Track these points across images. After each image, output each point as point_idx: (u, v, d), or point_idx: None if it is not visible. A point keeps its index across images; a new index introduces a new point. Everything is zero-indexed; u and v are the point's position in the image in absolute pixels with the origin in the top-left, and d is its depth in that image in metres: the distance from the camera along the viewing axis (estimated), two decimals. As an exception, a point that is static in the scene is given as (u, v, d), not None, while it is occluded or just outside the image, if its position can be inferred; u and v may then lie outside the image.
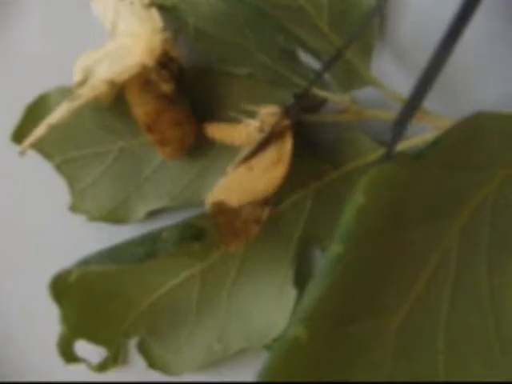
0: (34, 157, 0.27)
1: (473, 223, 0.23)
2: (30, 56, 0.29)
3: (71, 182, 0.27)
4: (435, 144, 0.22)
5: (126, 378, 0.28)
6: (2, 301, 0.29)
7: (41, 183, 0.28)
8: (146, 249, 0.24)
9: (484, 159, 0.24)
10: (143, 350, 0.28)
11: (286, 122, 0.25)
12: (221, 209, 0.25)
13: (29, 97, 0.27)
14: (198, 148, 0.27)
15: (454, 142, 0.23)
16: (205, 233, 0.24)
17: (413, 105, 0.22)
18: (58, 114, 0.24)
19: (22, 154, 0.25)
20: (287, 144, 0.24)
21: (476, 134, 0.23)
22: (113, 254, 0.24)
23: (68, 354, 0.27)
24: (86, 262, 0.24)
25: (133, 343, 0.28)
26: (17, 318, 0.29)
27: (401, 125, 0.23)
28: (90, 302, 0.26)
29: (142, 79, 0.25)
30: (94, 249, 0.26)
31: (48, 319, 0.27)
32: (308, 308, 0.19)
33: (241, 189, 0.24)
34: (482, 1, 0.21)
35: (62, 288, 0.25)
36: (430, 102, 0.24)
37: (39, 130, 0.24)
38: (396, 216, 0.21)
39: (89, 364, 0.27)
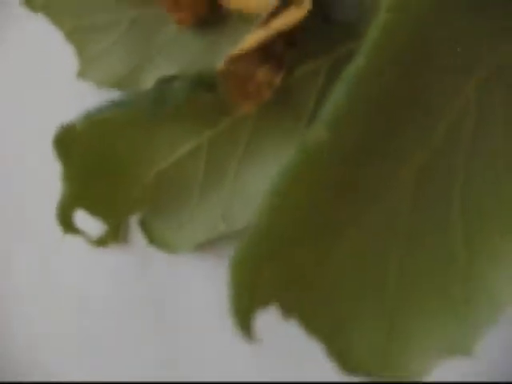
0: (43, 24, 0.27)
1: (489, 84, 0.23)
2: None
3: (80, 49, 0.27)
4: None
5: (125, 256, 0.27)
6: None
7: (50, 51, 0.28)
8: (156, 95, 0.23)
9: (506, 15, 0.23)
10: (144, 226, 0.27)
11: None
12: (234, 68, 0.24)
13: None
14: (212, 20, 0.26)
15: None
16: (216, 86, 0.24)
17: None
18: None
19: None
20: (306, 6, 0.24)
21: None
22: (120, 102, 0.24)
23: (67, 223, 0.26)
24: (91, 113, 0.23)
25: (134, 223, 0.27)
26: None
27: None
28: (94, 164, 0.25)
29: None
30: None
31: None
32: (329, 111, 0.18)
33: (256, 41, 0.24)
34: None
35: (66, 142, 0.24)
36: None
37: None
38: (419, 47, 0.21)
39: (88, 237, 0.26)
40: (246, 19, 0.26)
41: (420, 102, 0.21)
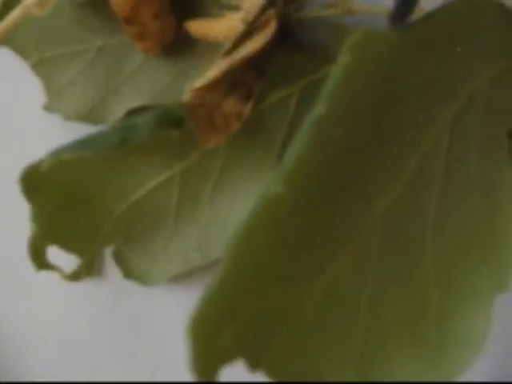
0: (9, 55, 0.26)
1: (464, 114, 0.22)
2: None
3: (47, 81, 0.26)
4: (420, 22, 0.21)
5: (100, 289, 0.27)
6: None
7: (15, 83, 0.27)
8: (121, 135, 0.23)
9: (475, 48, 0.23)
10: (119, 258, 0.26)
11: (270, 12, 0.24)
12: (201, 100, 0.23)
13: None
14: (179, 48, 0.26)
15: (441, 24, 0.22)
16: (183, 121, 0.23)
17: None
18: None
19: (-5, 41, 0.24)
20: (270, 30, 0.23)
21: (464, 19, 0.22)
22: (85, 142, 0.23)
23: (39, 259, 0.25)
24: (57, 152, 0.23)
25: (108, 254, 0.27)
26: None
27: (397, 18, 0.22)
28: (64, 200, 0.25)
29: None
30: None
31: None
32: (288, 166, 0.18)
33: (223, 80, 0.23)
34: None
35: (33, 181, 0.24)
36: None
37: (15, 13, 0.23)
38: (384, 91, 0.20)
39: (61, 272, 0.26)
40: (212, 46, 0.25)
41: (389, 139, 0.21)
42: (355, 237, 0.20)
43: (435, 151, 0.22)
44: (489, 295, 0.22)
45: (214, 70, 0.23)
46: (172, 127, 0.23)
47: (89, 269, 0.26)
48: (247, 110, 0.24)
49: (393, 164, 0.21)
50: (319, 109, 0.19)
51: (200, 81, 0.23)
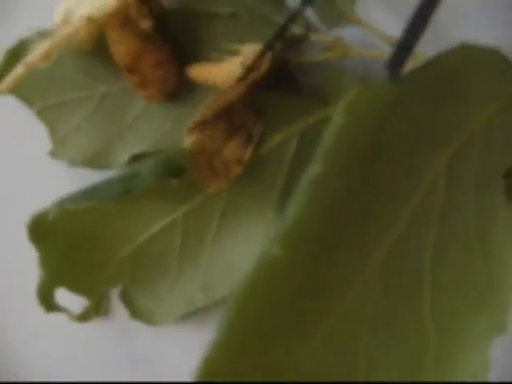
0: (14, 103, 0.27)
1: (460, 158, 0.23)
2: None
3: (52, 128, 0.27)
4: (418, 71, 0.22)
5: (108, 329, 0.27)
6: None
7: (21, 129, 0.28)
8: (124, 184, 0.23)
9: (471, 94, 0.23)
10: (125, 299, 0.27)
11: (268, 57, 0.24)
12: (201, 147, 0.24)
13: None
14: (180, 93, 0.26)
15: (438, 72, 0.22)
16: (184, 170, 0.24)
17: (406, 45, 0.22)
18: (37, 53, 0.23)
19: (0, 94, 0.24)
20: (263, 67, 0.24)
21: (461, 66, 0.23)
22: (90, 191, 0.24)
23: (48, 302, 0.26)
24: (62, 202, 0.24)
25: (115, 294, 0.27)
26: None
27: (394, 67, 0.22)
28: (70, 246, 0.25)
29: (122, 16, 0.24)
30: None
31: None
32: (285, 228, 0.18)
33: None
34: None
35: (40, 229, 0.24)
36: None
37: (19, 70, 0.24)
38: (378, 142, 0.21)
39: (70, 314, 0.27)
40: (212, 90, 0.26)
41: (384, 189, 0.21)
42: (353, 286, 0.21)
43: (431, 196, 0.22)
44: (487, 338, 0.22)
45: (208, 105, 0.24)
46: (173, 176, 0.24)
47: (96, 309, 0.27)
48: (248, 154, 0.25)
49: (389, 212, 0.21)
50: (315, 167, 0.19)
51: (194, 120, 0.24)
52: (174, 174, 0.24)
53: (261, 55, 0.24)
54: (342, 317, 0.20)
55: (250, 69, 0.24)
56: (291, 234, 0.18)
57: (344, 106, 0.19)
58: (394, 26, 0.25)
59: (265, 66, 0.24)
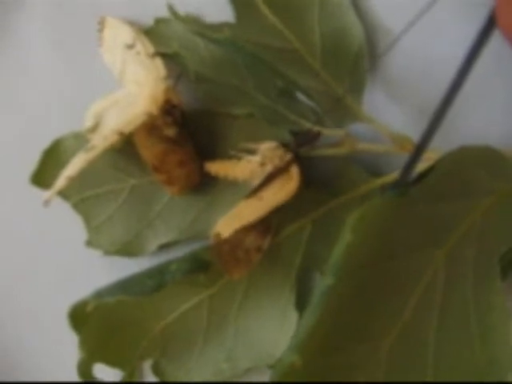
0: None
1: (459, 250, 0.25)
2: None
3: (87, 219, 0.30)
4: (419, 180, 0.24)
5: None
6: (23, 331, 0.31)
7: (59, 221, 0.31)
8: (155, 281, 0.26)
9: (468, 189, 0.25)
10: (157, 370, 0.30)
11: (288, 156, 0.27)
12: (224, 238, 0.27)
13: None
14: (204, 184, 0.29)
15: (439, 176, 0.24)
16: (210, 264, 0.26)
17: (422, 149, 0.24)
18: (75, 165, 0.26)
19: (46, 204, 0.27)
20: (294, 174, 0.26)
21: (460, 167, 0.25)
22: (124, 286, 0.26)
23: (87, 375, 0.29)
24: (99, 294, 0.26)
25: (147, 364, 0.30)
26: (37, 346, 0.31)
27: (409, 169, 0.25)
28: (107, 330, 0.28)
29: (148, 125, 0.27)
30: (110, 280, 0.28)
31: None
32: (302, 336, 0.21)
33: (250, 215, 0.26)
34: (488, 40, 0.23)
35: (79, 317, 0.27)
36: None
37: (59, 183, 0.26)
38: (383, 248, 0.23)
39: (107, 385, 0.29)
40: (233, 184, 0.28)
41: (389, 290, 0.24)
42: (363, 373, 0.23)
43: (432, 288, 0.25)
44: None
45: (245, 214, 0.26)
46: (200, 271, 0.26)
47: (131, 380, 0.30)
48: (267, 242, 0.27)
49: (393, 309, 0.24)
50: (327, 279, 0.22)
51: (229, 225, 0.26)
52: (202, 269, 0.26)
53: (282, 157, 0.27)
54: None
55: (274, 170, 0.27)
56: (307, 343, 0.21)
57: (351, 224, 0.22)
58: (400, 121, 0.28)
59: (296, 179, 0.27)
